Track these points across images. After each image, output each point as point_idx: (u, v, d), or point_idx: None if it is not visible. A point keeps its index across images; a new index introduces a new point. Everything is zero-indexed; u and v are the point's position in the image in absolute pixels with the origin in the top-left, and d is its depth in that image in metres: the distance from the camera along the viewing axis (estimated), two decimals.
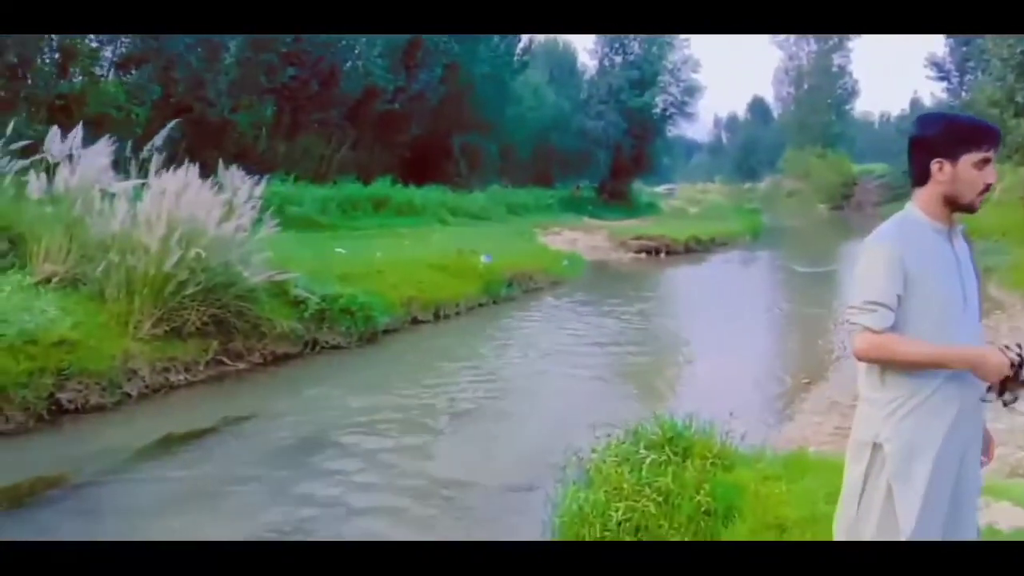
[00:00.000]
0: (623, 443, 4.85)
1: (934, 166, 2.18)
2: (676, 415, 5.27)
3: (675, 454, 4.63)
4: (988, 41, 21.57)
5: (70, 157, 8.43)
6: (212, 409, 7.01)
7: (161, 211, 7.98)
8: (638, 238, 23.49)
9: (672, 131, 45.11)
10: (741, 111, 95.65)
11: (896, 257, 2.13)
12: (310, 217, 16.65)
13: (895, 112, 58.99)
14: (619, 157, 39.33)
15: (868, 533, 2.21)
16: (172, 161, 8.68)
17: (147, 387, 7.34)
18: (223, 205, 8.72)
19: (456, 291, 12.09)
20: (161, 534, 4.52)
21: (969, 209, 2.19)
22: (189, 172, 8.54)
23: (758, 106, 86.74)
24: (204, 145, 17.08)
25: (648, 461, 4.29)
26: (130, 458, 5.79)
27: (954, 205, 2.19)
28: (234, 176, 9.48)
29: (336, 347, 9.27)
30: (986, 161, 2.14)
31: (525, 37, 38.63)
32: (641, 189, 47.36)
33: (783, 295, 16.51)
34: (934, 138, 2.18)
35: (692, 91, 41.32)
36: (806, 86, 54.52)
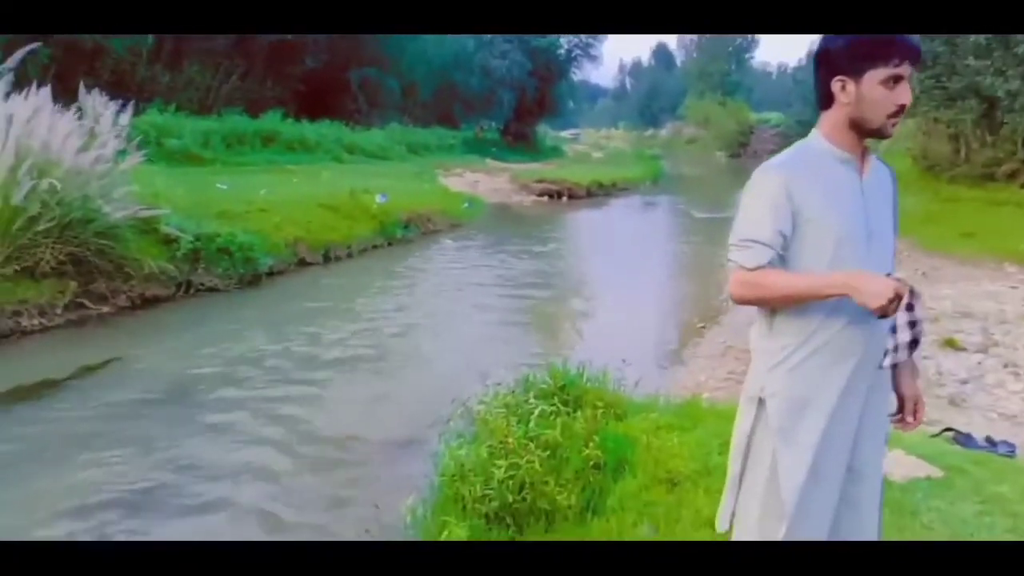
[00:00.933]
0: (513, 392, 4.58)
1: (835, 85, 1.86)
2: (572, 362, 5.05)
3: (565, 404, 4.41)
4: None
5: None
6: (69, 357, 6.37)
7: (8, 138, 7.14)
8: (540, 181, 23.29)
9: (577, 74, 44.71)
10: (645, 57, 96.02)
11: (781, 189, 1.84)
12: (191, 151, 15.51)
13: (792, 63, 60.23)
14: (523, 99, 38.70)
15: (751, 498, 1.96)
16: (39, 87, 7.76)
17: None
18: (84, 133, 7.90)
19: (348, 232, 11.51)
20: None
21: (880, 134, 1.88)
22: (41, 95, 7.66)
23: (662, 52, 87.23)
24: (75, 71, 15.62)
25: (537, 412, 4.02)
26: None
27: (862, 130, 1.88)
28: (96, 101, 8.60)
29: (213, 289, 8.62)
30: (896, 79, 1.82)
31: None
32: (546, 133, 47.03)
33: (682, 240, 16.60)
34: (836, 53, 1.86)
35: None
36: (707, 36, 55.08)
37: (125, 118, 8.58)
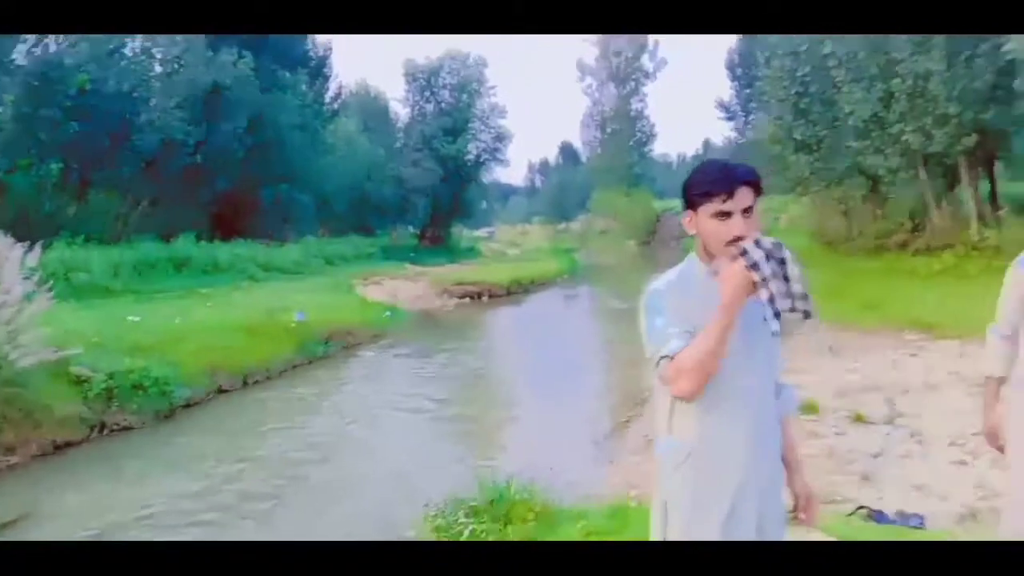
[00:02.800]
0: (443, 512, 4.59)
1: (684, 218, 2.11)
2: (501, 470, 5.10)
3: (496, 520, 4.43)
4: (766, 84, 23.60)
5: None
6: None
7: None
8: (460, 284, 23.52)
9: (488, 176, 46.01)
10: (552, 156, 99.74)
11: (665, 301, 2.05)
12: (100, 284, 15.18)
13: (690, 152, 63.70)
14: (437, 203, 39.56)
15: None
16: None
17: None
18: None
19: (267, 354, 11.34)
20: None
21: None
22: None
23: (567, 150, 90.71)
24: None
25: (467, 533, 4.05)
26: None
27: (710, 255, 2.07)
28: (1, 244, 8.41)
29: (128, 428, 8.34)
30: (724, 214, 1.98)
31: (333, 86, 38.29)
32: (461, 233, 47.83)
33: (602, 332, 16.95)
34: (684, 189, 2.10)
35: (502, 137, 42.40)
36: (609, 130, 57.64)
37: (32, 259, 8.40)
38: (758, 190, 2.03)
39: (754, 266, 1.85)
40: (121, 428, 8.30)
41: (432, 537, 4.01)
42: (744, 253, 1.87)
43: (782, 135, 23.15)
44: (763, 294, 1.85)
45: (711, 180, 2.01)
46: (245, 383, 10.56)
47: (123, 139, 21.10)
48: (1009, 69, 14.08)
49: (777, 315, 1.85)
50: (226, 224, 25.30)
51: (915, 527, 4.39)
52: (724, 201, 1.98)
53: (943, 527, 4.53)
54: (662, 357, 1.98)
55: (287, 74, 28.97)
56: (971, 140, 15.78)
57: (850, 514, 4.63)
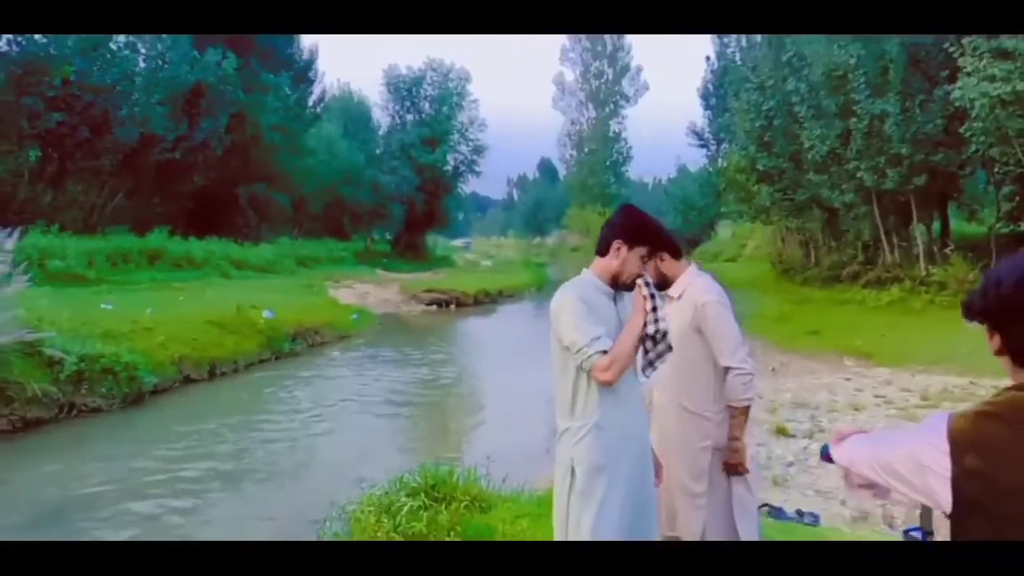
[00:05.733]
0: (386, 492, 5.04)
1: (615, 244, 2.67)
2: (454, 464, 5.56)
3: (435, 500, 4.89)
4: (735, 115, 24.43)
5: None
6: None
7: None
8: (429, 291, 23.98)
9: (466, 188, 46.60)
10: (531, 171, 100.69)
11: (580, 302, 2.61)
12: (74, 271, 15.46)
13: (664, 176, 64.73)
14: (413, 211, 40.00)
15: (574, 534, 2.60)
16: None
17: None
18: None
19: (234, 348, 11.74)
20: None
21: (624, 287, 2.69)
22: None
23: (546, 166, 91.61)
24: None
25: (406, 509, 4.51)
26: None
27: (615, 280, 2.69)
28: None
29: (97, 410, 8.71)
30: (646, 260, 2.70)
31: (317, 89, 38.63)
32: (436, 242, 48.24)
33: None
34: (625, 226, 2.70)
35: (480, 150, 43.04)
36: (587, 150, 58.45)
37: (10, 243, 8.76)
38: None
39: (651, 296, 2.64)
40: (90, 409, 8.66)
41: (372, 511, 4.46)
42: (648, 285, 2.65)
43: (747, 166, 23.98)
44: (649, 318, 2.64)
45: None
46: (212, 374, 10.95)
47: (103, 131, 21.35)
48: (959, 114, 14.88)
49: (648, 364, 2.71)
50: (201, 220, 25.55)
51: (809, 524, 4.92)
52: (651, 254, 2.74)
53: (835, 526, 5.07)
54: (597, 352, 2.52)
55: (271, 76, 29.32)
56: (922, 180, 16.56)
57: None
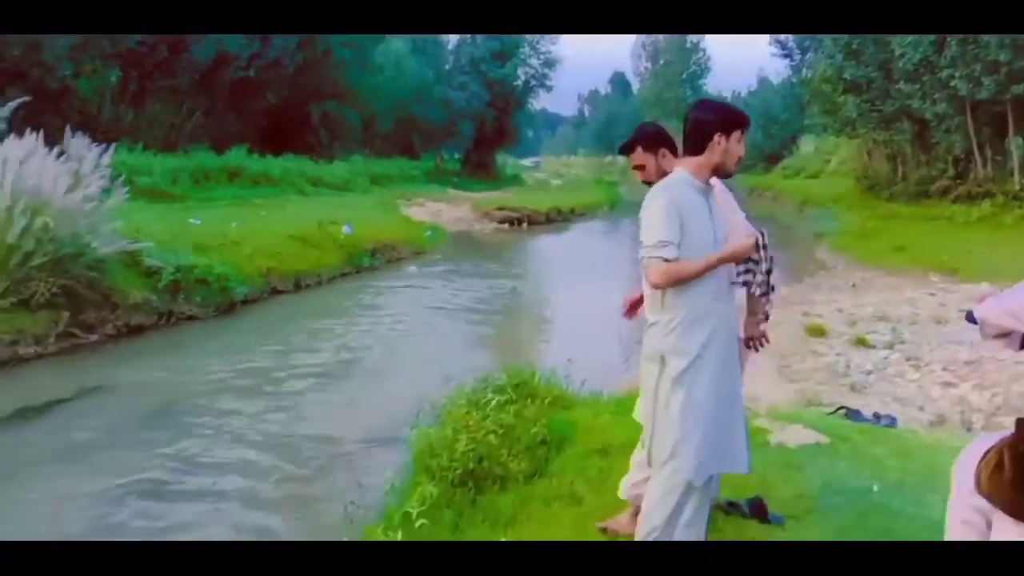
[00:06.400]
0: (473, 389, 5.27)
1: (715, 138, 2.68)
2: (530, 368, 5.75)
3: (520, 397, 5.10)
4: None
5: None
6: (66, 381, 6.92)
7: (3, 180, 7.72)
8: (501, 209, 24.09)
9: (536, 104, 45.92)
10: (603, 86, 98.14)
11: (673, 205, 2.63)
12: (160, 188, 16.05)
13: (744, 90, 62.27)
14: (483, 129, 39.69)
15: (666, 436, 2.70)
16: (11, 129, 8.34)
17: None
18: (70, 174, 8.47)
19: (317, 262, 12.15)
20: (26, 494, 4.57)
21: (727, 174, 2.78)
22: (32, 140, 8.24)
23: (619, 81, 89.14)
24: (43, 112, 16.07)
25: (493, 402, 4.72)
26: None
27: (718, 171, 2.74)
28: (80, 145, 9.17)
29: (192, 318, 9.20)
30: (741, 138, 2.75)
31: None
32: (506, 161, 48.01)
33: (632, 261, 17.42)
34: (715, 118, 2.71)
35: (552, 63, 42.16)
36: (662, 62, 56.66)
37: (107, 159, 9.16)
38: None
39: (763, 247, 2.99)
40: (186, 317, 9.17)
41: (463, 405, 4.68)
42: (763, 235, 2.97)
43: (833, 75, 22.94)
44: (755, 276, 3.06)
45: (741, 115, 2.77)
46: (297, 286, 11.40)
47: (180, 50, 21.72)
48: None
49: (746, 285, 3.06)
50: (275, 138, 25.98)
51: (885, 425, 4.96)
52: (744, 131, 2.76)
53: (912, 428, 5.10)
54: (659, 256, 2.60)
55: None
56: (1021, 88, 15.65)
57: (831, 412, 5.21)
